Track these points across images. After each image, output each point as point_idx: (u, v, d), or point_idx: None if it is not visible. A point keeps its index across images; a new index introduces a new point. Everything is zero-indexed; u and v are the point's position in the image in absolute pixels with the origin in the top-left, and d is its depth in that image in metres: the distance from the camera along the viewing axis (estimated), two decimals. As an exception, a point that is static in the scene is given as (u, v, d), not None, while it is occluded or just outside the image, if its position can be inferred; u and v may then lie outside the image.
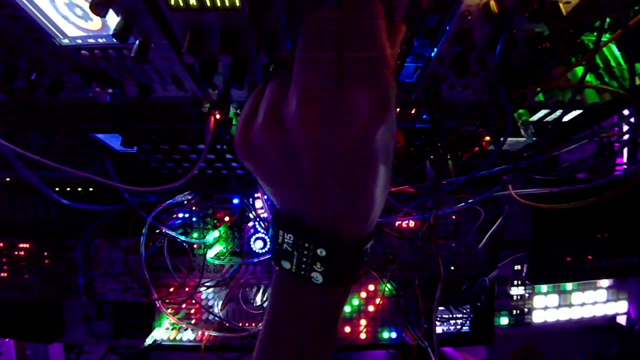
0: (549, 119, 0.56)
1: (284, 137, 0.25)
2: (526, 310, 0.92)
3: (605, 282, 0.95)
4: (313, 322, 0.31)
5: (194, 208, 0.81)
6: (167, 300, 0.81)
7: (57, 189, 0.75)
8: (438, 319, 0.84)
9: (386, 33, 0.24)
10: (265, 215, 0.77)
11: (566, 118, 0.56)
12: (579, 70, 0.42)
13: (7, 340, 1.05)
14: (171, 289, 0.82)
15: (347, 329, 0.85)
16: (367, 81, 0.24)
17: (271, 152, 0.26)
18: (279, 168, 0.26)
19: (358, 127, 0.24)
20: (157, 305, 0.79)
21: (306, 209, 0.27)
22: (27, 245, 0.81)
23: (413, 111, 0.57)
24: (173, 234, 0.76)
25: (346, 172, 0.25)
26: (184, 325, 0.83)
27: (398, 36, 0.27)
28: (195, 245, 0.81)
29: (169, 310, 0.81)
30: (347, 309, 0.85)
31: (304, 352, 0.31)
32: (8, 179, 0.75)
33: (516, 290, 0.91)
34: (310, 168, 0.25)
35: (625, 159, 0.81)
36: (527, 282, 0.90)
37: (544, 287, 0.93)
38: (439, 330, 0.85)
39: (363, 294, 0.85)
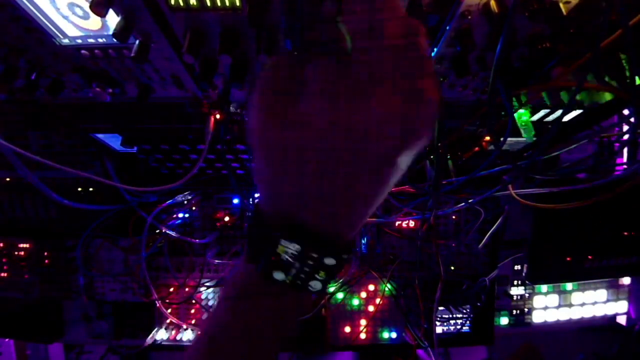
0: (549, 119, 0.56)
1: (343, 121, 0.22)
2: (526, 310, 0.92)
3: (605, 282, 0.96)
4: (281, 326, 0.29)
5: (194, 208, 0.81)
6: (167, 300, 0.81)
7: (57, 189, 0.75)
8: (438, 319, 0.84)
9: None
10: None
11: (566, 118, 0.56)
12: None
13: (7, 340, 1.05)
14: (171, 289, 0.82)
15: (347, 329, 0.85)
16: (430, 82, 0.23)
17: (313, 141, 0.23)
18: (307, 160, 0.23)
19: (420, 132, 0.23)
20: (157, 305, 0.79)
21: (319, 214, 0.25)
22: (27, 245, 0.81)
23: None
24: (173, 234, 0.76)
25: (366, 182, 0.24)
26: (184, 325, 0.83)
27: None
28: (195, 246, 0.81)
29: (169, 311, 0.81)
30: (347, 309, 0.85)
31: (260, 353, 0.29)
32: (8, 179, 0.76)
33: (516, 290, 0.91)
34: (348, 160, 0.23)
35: (625, 159, 0.81)
36: (527, 282, 0.90)
37: (544, 287, 0.93)
38: (439, 330, 0.85)
39: (363, 294, 0.85)
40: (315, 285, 0.26)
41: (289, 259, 0.25)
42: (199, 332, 0.30)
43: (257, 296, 0.28)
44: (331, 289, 0.82)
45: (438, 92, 0.23)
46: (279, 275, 0.26)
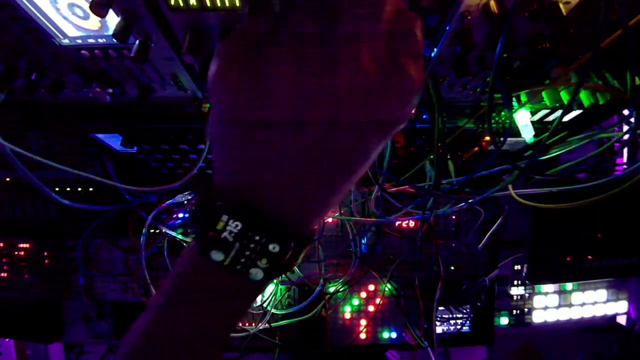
0: (549, 119, 0.56)
1: (315, 92, 0.20)
2: (526, 310, 0.92)
3: (605, 282, 0.95)
4: (224, 316, 0.26)
5: (194, 208, 0.81)
6: (167, 300, 0.81)
7: (57, 189, 0.75)
8: (438, 319, 0.84)
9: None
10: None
11: (566, 118, 0.56)
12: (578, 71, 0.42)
13: (7, 340, 1.05)
14: (171, 289, 0.82)
15: (347, 329, 0.85)
16: (413, 66, 0.21)
17: (276, 101, 0.20)
18: (269, 123, 0.21)
19: (389, 116, 0.21)
20: (157, 305, 0.79)
21: (269, 194, 0.23)
22: (27, 245, 0.81)
23: (413, 111, 0.57)
24: (173, 234, 0.76)
25: (339, 162, 0.22)
26: (184, 325, 0.83)
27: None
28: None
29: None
30: (348, 308, 0.85)
31: (198, 345, 0.26)
32: (8, 179, 0.75)
33: (516, 290, 0.91)
34: (305, 146, 0.21)
35: (625, 159, 0.81)
36: (527, 282, 0.91)
37: (544, 287, 0.93)
38: (439, 330, 0.85)
39: (363, 294, 0.85)
40: (257, 274, 0.24)
41: (228, 237, 0.22)
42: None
43: (195, 274, 0.25)
44: (331, 289, 0.82)
45: (421, 73, 0.22)
46: (217, 255, 0.23)
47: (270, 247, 0.23)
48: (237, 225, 0.22)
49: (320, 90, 0.20)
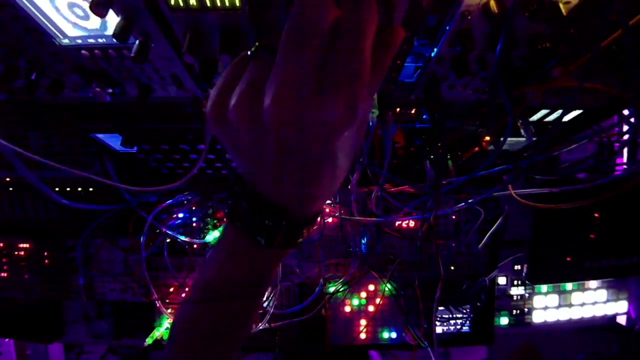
0: (549, 119, 0.56)
1: (256, 123, 0.26)
2: (526, 310, 0.92)
3: (605, 282, 0.96)
4: (249, 272, 0.35)
5: (194, 208, 0.81)
6: (167, 300, 0.81)
7: (57, 189, 0.75)
8: (438, 319, 0.84)
9: (372, 45, 0.24)
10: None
11: (566, 118, 0.56)
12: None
13: (7, 340, 1.05)
14: (171, 289, 0.82)
15: (347, 329, 0.85)
16: (342, 91, 0.24)
17: (242, 131, 0.27)
18: (247, 145, 0.28)
19: (325, 131, 0.25)
20: (157, 305, 0.79)
21: (263, 184, 0.30)
22: (27, 245, 0.81)
23: (413, 111, 0.57)
24: (173, 234, 0.76)
25: (306, 164, 0.28)
26: (184, 325, 0.83)
27: (395, 41, 0.27)
28: (195, 246, 0.81)
29: (169, 310, 0.81)
30: (348, 308, 0.85)
31: (232, 303, 0.36)
32: (8, 179, 0.76)
33: (516, 290, 0.91)
34: (275, 154, 0.27)
35: (625, 159, 0.81)
36: (527, 282, 0.91)
37: (544, 287, 0.93)
38: (439, 330, 0.85)
39: (363, 294, 0.85)
40: (261, 240, 0.31)
41: (242, 213, 0.32)
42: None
43: (227, 238, 0.35)
44: (331, 289, 0.82)
45: (353, 105, 0.24)
46: (238, 223, 0.32)
47: (266, 222, 0.31)
48: (245, 205, 0.31)
49: (266, 120, 0.25)
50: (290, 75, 0.24)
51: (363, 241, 0.80)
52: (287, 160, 0.27)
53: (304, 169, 0.28)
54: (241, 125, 0.27)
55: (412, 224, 0.81)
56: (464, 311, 0.84)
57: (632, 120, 0.40)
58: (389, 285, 0.81)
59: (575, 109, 0.53)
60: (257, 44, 0.27)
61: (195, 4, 0.34)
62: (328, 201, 0.76)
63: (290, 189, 0.30)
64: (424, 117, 0.58)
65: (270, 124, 0.25)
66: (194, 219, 0.81)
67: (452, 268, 0.82)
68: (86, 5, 0.34)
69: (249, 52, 0.27)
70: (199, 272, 0.38)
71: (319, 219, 0.36)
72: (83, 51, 0.41)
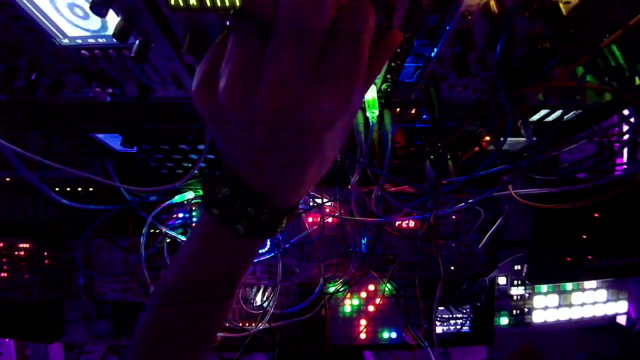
0: (549, 119, 0.56)
1: (246, 106, 0.25)
2: (526, 310, 0.92)
3: (605, 282, 0.96)
4: (226, 264, 0.34)
5: (194, 208, 0.81)
6: (167, 300, 0.81)
7: (57, 189, 0.75)
8: (438, 319, 0.84)
9: (370, 41, 0.25)
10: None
11: (566, 118, 0.56)
12: (579, 70, 0.42)
13: (7, 340, 1.05)
14: (171, 289, 0.82)
15: (347, 329, 0.85)
16: (339, 84, 0.25)
17: (230, 113, 0.26)
18: (234, 128, 0.27)
19: (318, 121, 0.26)
20: (157, 305, 0.79)
21: (247, 170, 0.29)
22: (27, 245, 0.81)
23: (413, 111, 0.57)
24: (173, 234, 0.76)
25: (294, 152, 0.27)
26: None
27: (393, 43, 0.28)
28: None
29: (169, 310, 0.81)
30: (348, 308, 0.85)
31: (207, 288, 0.34)
32: (8, 179, 0.76)
33: (516, 290, 0.91)
34: (263, 139, 0.27)
35: (625, 159, 0.81)
36: (527, 282, 0.91)
37: (544, 287, 0.93)
38: (439, 330, 0.85)
39: (363, 294, 0.85)
40: (239, 228, 0.30)
41: (221, 199, 0.30)
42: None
43: (202, 229, 0.34)
44: (331, 289, 0.82)
45: (349, 93, 0.25)
46: (215, 210, 0.31)
47: (248, 209, 0.30)
48: (226, 190, 0.30)
49: (256, 104, 0.25)
50: (288, 64, 0.24)
51: (363, 241, 0.80)
52: (276, 146, 0.27)
53: (292, 156, 0.28)
54: (230, 109, 0.26)
55: (412, 224, 0.81)
56: (464, 311, 0.84)
57: (632, 120, 0.40)
58: (389, 285, 0.81)
59: (575, 109, 0.53)
60: (232, 11, 0.25)
61: (195, 4, 0.34)
62: (327, 202, 0.76)
63: (275, 176, 0.29)
64: (424, 117, 0.58)
65: (263, 109, 0.25)
66: (194, 219, 0.82)
67: (452, 268, 0.82)
68: (86, 5, 0.34)
69: (227, 22, 0.26)
70: (169, 272, 0.36)
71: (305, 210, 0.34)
72: (83, 51, 0.41)
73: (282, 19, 0.24)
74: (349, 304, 0.85)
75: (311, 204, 0.76)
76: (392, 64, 0.44)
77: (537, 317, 0.93)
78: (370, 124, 0.51)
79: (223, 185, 0.30)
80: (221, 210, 0.30)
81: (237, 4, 0.34)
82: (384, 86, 0.49)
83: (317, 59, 0.24)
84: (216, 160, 0.33)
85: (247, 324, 0.83)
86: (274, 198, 0.30)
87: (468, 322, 0.85)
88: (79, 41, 0.40)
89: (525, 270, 0.89)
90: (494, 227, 0.78)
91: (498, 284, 0.90)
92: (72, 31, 0.39)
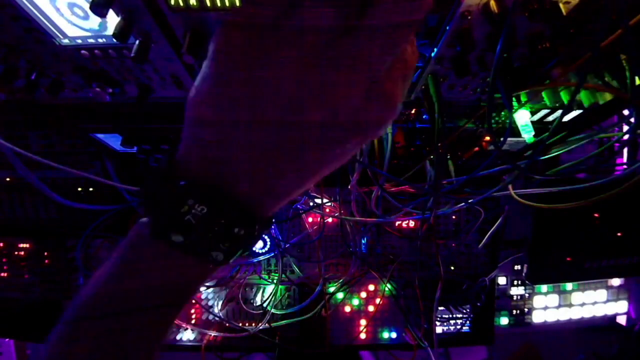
0: (549, 119, 0.56)
1: (315, 87, 0.21)
2: (526, 310, 0.92)
3: (605, 282, 0.95)
4: (178, 293, 0.26)
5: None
6: (167, 300, 0.81)
7: (57, 189, 0.75)
8: (438, 319, 0.84)
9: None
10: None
11: (566, 118, 0.55)
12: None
13: (7, 340, 1.05)
14: (171, 289, 0.82)
15: (347, 329, 0.85)
16: (388, 104, 0.23)
17: (279, 82, 0.21)
18: (266, 101, 0.21)
19: (369, 124, 0.23)
20: (157, 305, 0.79)
21: (239, 179, 0.23)
22: (27, 245, 0.81)
23: (413, 111, 0.57)
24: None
25: (304, 160, 0.23)
26: (184, 325, 0.83)
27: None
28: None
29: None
30: (348, 308, 0.85)
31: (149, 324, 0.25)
32: (8, 179, 0.75)
33: (516, 290, 0.91)
34: (306, 130, 0.22)
35: (625, 159, 0.81)
36: (527, 282, 0.90)
37: (544, 287, 0.93)
38: (439, 330, 0.85)
39: (363, 294, 0.85)
40: (217, 256, 0.23)
41: (192, 220, 0.22)
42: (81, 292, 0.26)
43: (145, 254, 0.24)
44: (331, 289, 0.82)
45: (401, 99, 0.24)
46: (177, 238, 0.22)
47: (235, 230, 0.23)
48: (202, 209, 0.22)
49: (318, 89, 0.21)
50: (375, 57, 0.22)
51: (363, 241, 0.80)
52: (292, 150, 0.23)
53: (304, 161, 0.23)
54: (271, 95, 0.21)
55: (412, 224, 0.81)
56: (464, 311, 0.83)
57: (632, 120, 0.40)
58: (389, 285, 0.81)
59: (575, 109, 0.53)
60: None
61: (195, 4, 0.34)
62: (327, 202, 0.76)
63: (288, 182, 0.24)
64: (424, 117, 0.58)
65: (328, 111, 0.22)
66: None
67: (452, 268, 0.82)
68: (86, 5, 0.34)
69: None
70: (88, 286, 0.25)
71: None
72: (83, 51, 0.41)
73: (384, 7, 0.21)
74: (349, 304, 0.85)
75: (311, 204, 0.76)
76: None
77: (537, 317, 0.93)
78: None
79: (197, 202, 0.22)
80: (189, 237, 0.22)
81: (237, 4, 0.34)
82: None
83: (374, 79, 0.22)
84: (168, 166, 0.24)
85: (247, 324, 0.83)
86: (262, 211, 0.25)
87: (468, 322, 0.85)
88: (79, 41, 0.40)
89: (525, 270, 0.89)
90: (494, 227, 0.78)
91: (498, 284, 0.90)
92: (72, 31, 0.39)
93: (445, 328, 0.86)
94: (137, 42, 0.38)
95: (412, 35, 0.24)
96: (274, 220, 0.29)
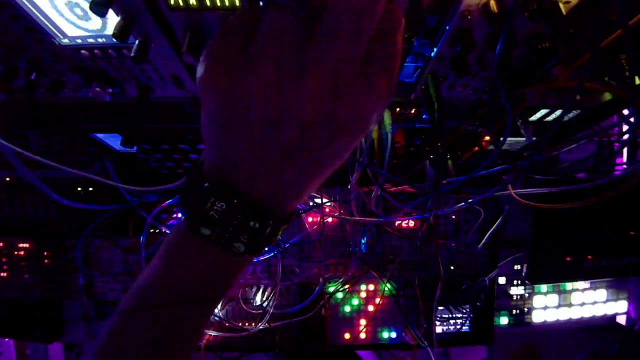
0: (549, 119, 0.56)
1: (291, 95, 0.22)
2: (526, 310, 0.92)
3: (605, 282, 0.95)
4: (213, 287, 0.29)
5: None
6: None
7: (57, 189, 0.75)
8: (438, 319, 0.84)
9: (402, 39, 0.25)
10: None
11: (566, 118, 0.56)
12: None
13: (7, 340, 1.05)
14: (171, 289, 0.82)
15: (347, 329, 0.85)
16: (382, 81, 0.24)
17: (257, 102, 0.23)
18: (251, 121, 0.23)
19: (359, 118, 0.24)
20: (157, 305, 0.79)
21: (252, 176, 0.25)
22: (27, 245, 0.81)
23: (413, 111, 0.57)
24: (173, 234, 0.76)
25: (320, 154, 0.25)
26: (184, 325, 0.83)
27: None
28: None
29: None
30: (347, 308, 0.85)
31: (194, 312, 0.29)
32: (8, 179, 0.75)
33: (516, 290, 0.91)
34: (291, 137, 0.23)
35: (625, 159, 0.81)
36: (527, 282, 0.91)
37: (544, 287, 0.93)
38: (439, 330, 0.85)
39: (363, 294, 0.85)
40: (239, 247, 0.26)
41: (215, 215, 0.25)
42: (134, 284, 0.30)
43: (184, 248, 0.28)
44: (331, 289, 0.82)
45: (389, 89, 0.24)
46: (205, 231, 0.26)
47: (251, 224, 0.26)
48: (222, 206, 0.25)
49: (294, 96, 0.23)
50: (339, 57, 0.22)
51: (363, 241, 0.80)
52: (303, 149, 0.24)
53: (316, 160, 0.25)
54: (265, 94, 0.22)
55: (412, 224, 0.81)
56: (464, 311, 0.83)
57: (632, 120, 0.40)
58: (389, 285, 0.81)
59: (575, 109, 0.53)
60: None
61: (195, 4, 0.34)
62: (327, 202, 0.76)
63: (289, 183, 0.26)
64: (424, 117, 0.58)
65: (303, 105, 0.22)
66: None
67: (452, 268, 0.82)
68: (86, 5, 0.34)
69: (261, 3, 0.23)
70: (142, 277, 0.29)
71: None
72: (83, 51, 0.41)
73: (335, 12, 0.22)
74: (349, 304, 0.85)
75: (311, 204, 0.76)
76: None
77: (537, 317, 0.93)
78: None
79: (217, 199, 0.25)
80: (215, 230, 0.26)
81: (237, 4, 0.34)
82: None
83: (363, 57, 0.23)
84: (196, 173, 0.27)
85: (247, 324, 0.83)
86: (276, 207, 0.27)
87: (468, 322, 0.85)
88: (79, 41, 0.40)
89: (525, 270, 0.89)
90: (494, 227, 0.78)
91: (498, 284, 0.90)
92: (72, 31, 0.39)
93: (445, 328, 0.86)
94: (137, 42, 0.38)
95: (380, 8, 0.23)
96: (294, 216, 0.30)
